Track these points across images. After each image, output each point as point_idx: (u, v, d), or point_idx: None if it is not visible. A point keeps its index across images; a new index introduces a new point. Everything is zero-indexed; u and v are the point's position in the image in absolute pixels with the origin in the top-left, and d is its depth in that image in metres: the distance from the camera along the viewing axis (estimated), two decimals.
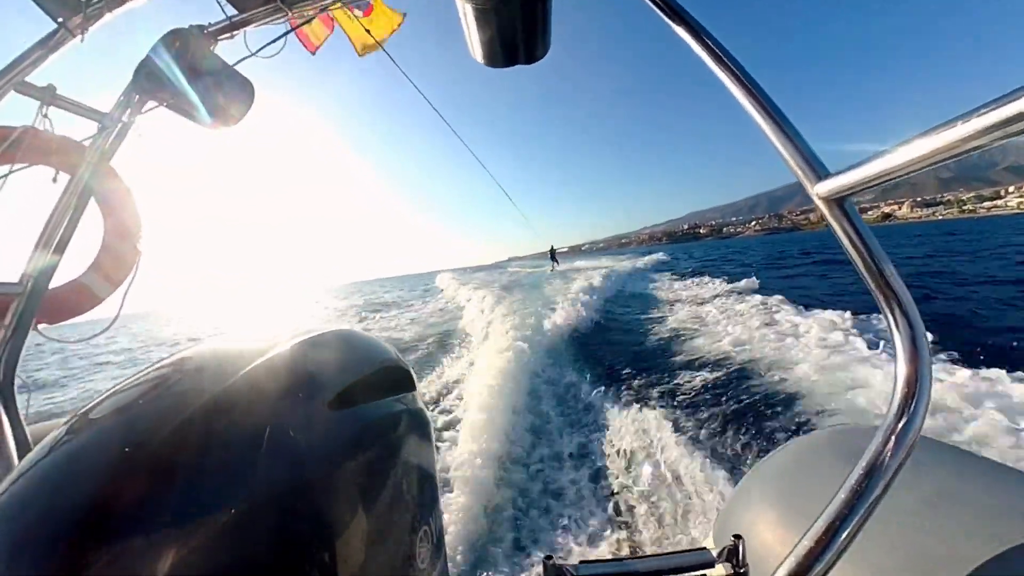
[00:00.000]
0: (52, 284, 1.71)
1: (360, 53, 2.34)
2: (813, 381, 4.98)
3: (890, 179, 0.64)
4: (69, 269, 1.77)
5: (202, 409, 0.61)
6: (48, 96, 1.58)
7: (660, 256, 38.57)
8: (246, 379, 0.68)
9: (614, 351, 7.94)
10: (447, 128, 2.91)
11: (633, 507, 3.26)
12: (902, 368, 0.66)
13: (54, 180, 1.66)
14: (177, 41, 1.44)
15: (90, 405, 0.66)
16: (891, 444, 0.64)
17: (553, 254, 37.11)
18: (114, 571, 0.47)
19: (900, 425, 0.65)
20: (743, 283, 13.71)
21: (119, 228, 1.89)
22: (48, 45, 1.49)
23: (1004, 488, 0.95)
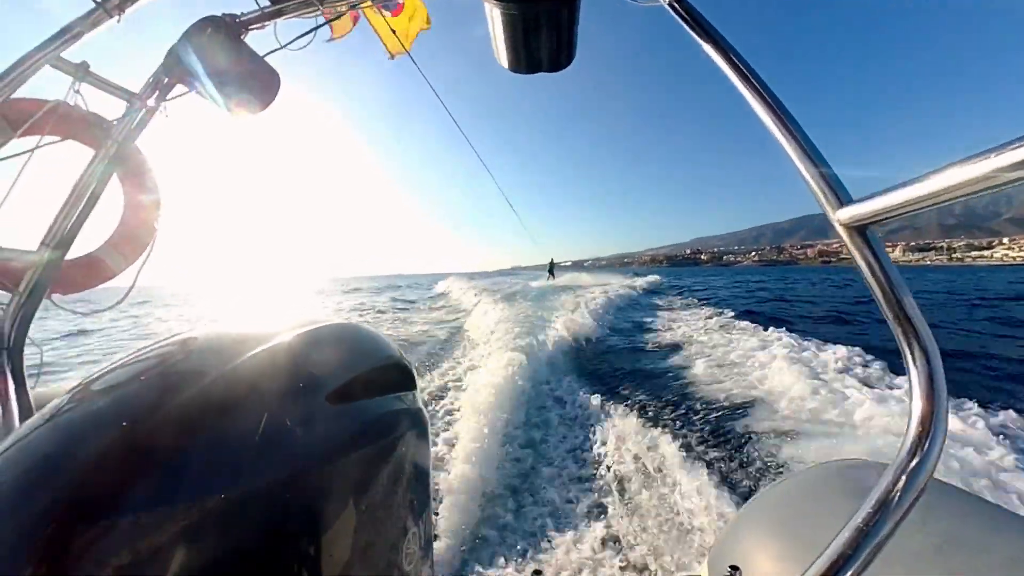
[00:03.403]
0: (69, 256, 1.67)
1: (391, 56, 2.30)
2: None
3: (915, 209, 0.59)
4: (86, 243, 1.73)
5: (201, 392, 0.58)
6: (81, 73, 1.56)
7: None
8: (247, 365, 0.64)
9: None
10: (463, 135, 2.89)
11: (625, 525, 3.12)
12: (917, 405, 0.61)
13: (86, 155, 1.64)
14: (209, 28, 1.41)
15: (92, 377, 0.64)
16: (902, 483, 0.59)
17: (552, 268, 37.04)
18: (98, 547, 0.45)
19: (912, 464, 0.59)
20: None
21: (138, 206, 1.85)
22: (86, 23, 1.46)
23: (1016, 538, 0.88)
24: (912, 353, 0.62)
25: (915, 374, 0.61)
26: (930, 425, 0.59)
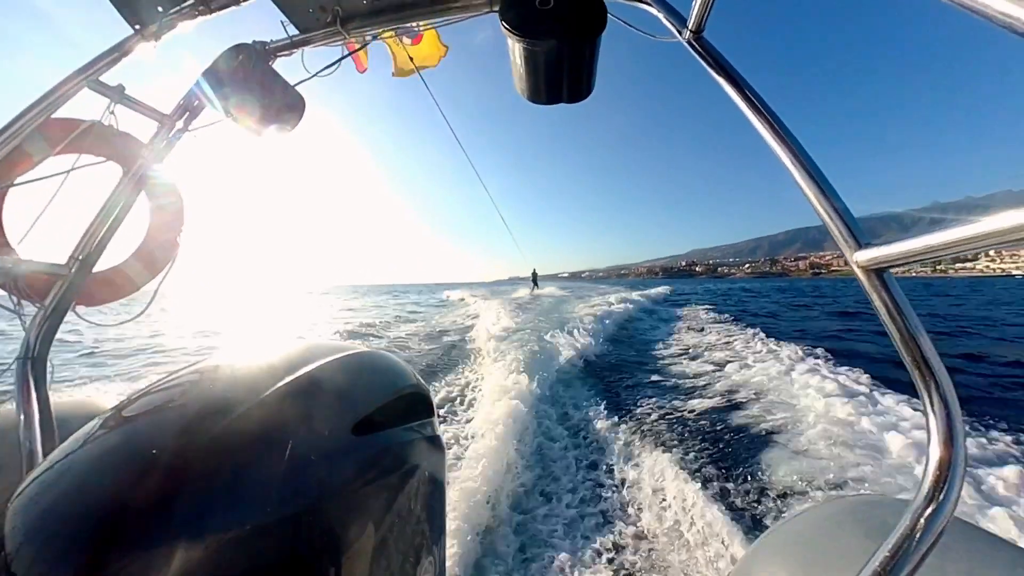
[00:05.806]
0: (94, 269, 1.67)
1: (395, 74, 2.30)
2: None
3: (933, 257, 0.59)
4: (107, 255, 1.73)
5: (233, 423, 0.59)
6: (117, 95, 1.57)
7: None
8: (276, 395, 0.64)
9: None
10: (462, 150, 2.92)
11: (632, 552, 2.88)
12: (935, 450, 0.60)
13: (120, 173, 1.65)
14: (240, 55, 1.43)
15: (124, 402, 0.65)
16: (920, 526, 0.58)
17: (535, 279, 37.53)
18: (134, 571, 0.45)
19: (930, 509, 0.58)
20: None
21: (163, 221, 1.86)
22: (123, 49, 1.48)
23: None
24: (930, 397, 0.61)
25: (933, 419, 0.61)
26: (948, 470, 0.59)
